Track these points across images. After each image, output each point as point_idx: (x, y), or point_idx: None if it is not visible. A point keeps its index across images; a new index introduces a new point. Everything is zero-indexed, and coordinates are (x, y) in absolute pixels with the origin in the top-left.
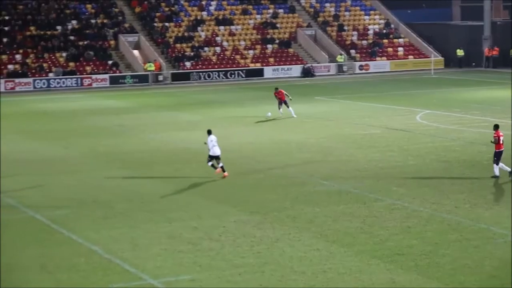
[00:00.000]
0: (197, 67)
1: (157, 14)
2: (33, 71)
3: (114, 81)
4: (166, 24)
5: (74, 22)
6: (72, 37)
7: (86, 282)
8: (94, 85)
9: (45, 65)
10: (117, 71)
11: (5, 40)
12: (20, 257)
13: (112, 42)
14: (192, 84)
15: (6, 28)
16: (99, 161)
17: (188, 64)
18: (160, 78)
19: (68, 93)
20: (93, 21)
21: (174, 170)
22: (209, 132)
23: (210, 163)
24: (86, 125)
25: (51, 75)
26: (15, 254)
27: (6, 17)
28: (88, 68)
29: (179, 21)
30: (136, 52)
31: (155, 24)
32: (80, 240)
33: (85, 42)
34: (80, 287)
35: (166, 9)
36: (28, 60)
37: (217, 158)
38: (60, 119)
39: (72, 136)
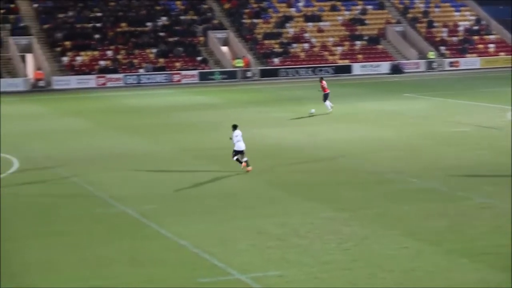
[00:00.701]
0: (285, 63)
1: (246, 10)
2: (124, 67)
3: (203, 77)
4: (255, 20)
5: (164, 18)
6: (162, 34)
7: (174, 276)
8: (183, 81)
9: (135, 61)
10: (206, 67)
11: (97, 36)
12: (111, 251)
13: (201, 39)
14: (280, 80)
15: (98, 25)
16: (188, 157)
17: (276, 60)
18: (249, 74)
19: (157, 89)
20: (182, 17)
21: (261, 166)
22: (235, 127)
23: (235, 158)
24: (175, 121)
25: (141, 71)
26: (106, 247)
27: (98, 14)
28: (177, 64)
29: (268, 18)
30: (225, 48)
31: (244, 21)
32: (169, 235)
33: (175, 39)
34: (169, 281)
35: (255, 5)
36: (119, 56)
37: (241, 153)
38: (150, 115)
39: (161, 132)
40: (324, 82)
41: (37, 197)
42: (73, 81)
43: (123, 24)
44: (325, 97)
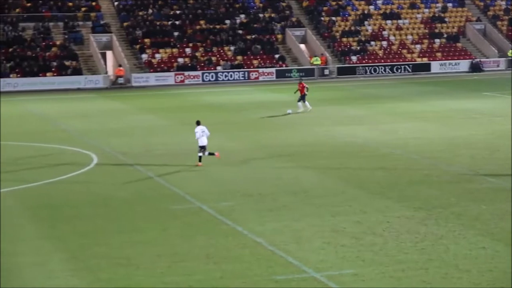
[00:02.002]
0: (363, 61)
1: (324, 8)
2: (202, 64)
3: (281, 74)
4: (333, 18)
5: (242, 16)
6: (240, 31)
7: (250, 273)
8: (260, 78)
9: (213, 58)
10: (284, 65)
11: (176, 34)
12: (188, 247)
13: (279, 36)
14: (358, 78)
15: (177, 22)
16: (264, 154)
17: (354, 58)
18: (326, 72)
19: (235, 86)
20: (261, 15)
21: (338, 164)
22: (198, 123)
23: (200, 154)
24: (251, 118)
25: (219, 68)
26: (182, 244)
27: (178, 12)
28: (255, 62)
29: (346, 15)
30: (302, 46)
31: (322, 18)
32: (245, 232)
33: (253, 36)
34: (244, 278)
35: (333, 3)
36: (197, 54)
37: (203, 148)
38: (227, 112)
39: (238, 129)
40: (304, 83)
41: (115, 193)
42: (152, 78)
43: (202, 22)
44: (302, 98)
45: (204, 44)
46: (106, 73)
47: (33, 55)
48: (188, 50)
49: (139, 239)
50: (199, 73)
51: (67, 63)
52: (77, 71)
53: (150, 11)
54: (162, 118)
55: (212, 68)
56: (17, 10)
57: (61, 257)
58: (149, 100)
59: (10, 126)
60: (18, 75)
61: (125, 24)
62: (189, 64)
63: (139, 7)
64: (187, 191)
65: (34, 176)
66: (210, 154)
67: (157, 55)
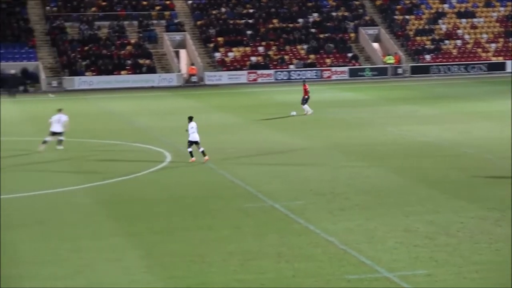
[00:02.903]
0: (437, 60)
1: (398, 6)
2: (275, 63)
3: (353, 73)
4: (407, 16)
5: (315, 15)
6: (313, 30)
7: (322, 272)
8: (333, 77)
9: (286, 57)
10: (357, 64)
11: (249, 32)
12: (259, 245)
13: (352, 35)
14: (432, 77)
15: (250, 21)
16: (337, 153)
17: (428, 57)
18: (399, 71)
19: (307, 85)
20: (334, 13)
21: (411, 164)
22: (190, 119)
23: (189, 149)
24: (324, 117)
25: (291, 67)
26: (254, 242)
27: (251, 10)
28: (328, 61)
29: (420, 14)
30: (376, 45)
31: (396, 17)
32: (317, 231)
33: (326, 35)
34: (316, 277)
35: (407, 1)
36: (270, 52)
37: (196, 143)
38: (300, 110)
39: (310, 128)
40: (307, 86)
41: (188, 191)
42: (225, 76)
43: (275, 21)
44: (305, 100)
45: (277, 43)
46: (180, 71)
47: (108, 53)
48: (261, 49)
49: (212, 236)
50: (272, 71)
51: (141, 61)
52: (151, 70)
53: (224, 9)
54: (235, 116)
55: (285, 67)
56: (93, 9)
57: (136, 254)
58: (221, 99)
59: (85, 123)
60: (94, 73)
61: (198, 22)
62: (262, 63)
63: (212, 6)
64: (259, 189)
65: (109, 173)
66: (203, 152)
67: (230, 54)
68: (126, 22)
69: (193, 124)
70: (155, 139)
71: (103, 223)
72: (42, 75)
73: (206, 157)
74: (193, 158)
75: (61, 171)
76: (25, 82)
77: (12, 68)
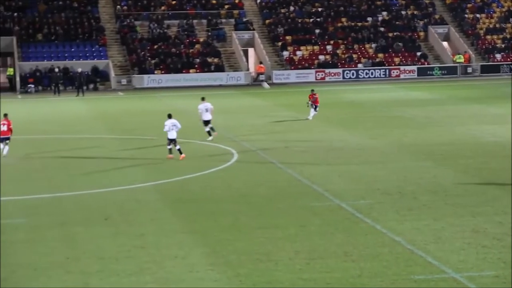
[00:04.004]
0: (508, 59)
1: (468, 5)
2: (343, 61)
3: (422, 72)
4: (477, 15)
5: (384, 13)
6: (381, 29)
7: (388, 272)
8: (401, 76)
9: (354, 56)
10: (426, 63)
11: (317, 31)
12: (325, 244)
13: (422, 34)
14: (502, 76)
15: (318, 20)
16: (404, 152)
17: (498, 56)
18: (469, 70)
19: (375, 84)
20: (403, 12)
21: (479, 164)
22: (169, 116)
23: (169, 147)
24: (392, 115)
25: (360, 66)
26: (320, 241)
27: (319, 9)
28: (396, 60)
29: (491, 12)
30: (445, 43)
31: (466, 16)
32: (383, 230)
33: (395, 34)
34: (382, 277)
35: (478, 0)
36: (338, 51)
37: (173, 141)
38: (367, 109)
39: (378, 127)
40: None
41: (255, 189)
42: (293, 75)
43: (343, 19)
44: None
45: (345, 42)
46: (248, 70)
47: (177, 52)
48: (329, 48)
49: (279, 235)
50: (340, 70)
51: (210, 60)
52: (219, 68)
53: (292, 8)
54: (302, 115)
55: (353, 66)
56: (163, 8)
57: (202, 251)
58: (289, 97)
59: (153, 121)
60: (162, 72)
61: (267, 21)
62: (330, 62)
63: (281, 5)
64: (326, 188)
65: (176, 171)
66: (179, 150)
67: (298, 52)
68: (195, 21)
69: (170, 122)
70: (222, 137)
71: (169, 220)
72: (112, 73)
73: (183, 155)
74: (171, 155)
75: (129, 169)
76: (95, 80)
77: (83, 66)
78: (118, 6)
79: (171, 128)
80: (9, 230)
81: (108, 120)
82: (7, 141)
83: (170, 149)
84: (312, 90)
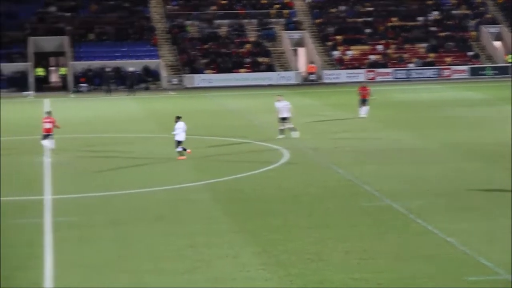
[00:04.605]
0: None
1: None
2: (394, 61)
3: (474, 72)
4: None
5: (435, 13)
6: (433, 28)
7: (440, 273)
8: (453, 76)
9: (405, 55)
10: (477, 63)
11: (367, 31)
12: (376, 245)
13: (473, 33)
14: None
15: (369, 19)
16: (456, 153)
17: None
18: None
19: (426, 84)
20: (454, 12)
21: None
22: (178, 119)
23: (178, 149)
24: (443, 116)
25: (410, 65)
26: (371, 241)
27: (370, 8)
28: (447, 59)
29: None
30: (497, 43)
31: None
32: (435, 231)
33: (446, 33)
34: (435, 278)
35: None
36: (389, 51)
37: (180, 142)
38: (418, 109)
39: (428, 127)
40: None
41: (305, 189)
42: (343, 75)
43: (394, 19)
44: (363, 102)
45: (396, 41)
46: (298, 69)
47: (227, 51)
48: (379, 47)
49: (329, 235)
50: (391, 70)
51: (260, 59)
52: (269, 68)
53: (342, 8)
54: (352, 115)
55: (404, 66)
56: (213, 7)
57: (252, 251)
58: (339, 97)
59: (204, 120)
60: (213, 71)
61: (317, 21)
62: (381, 61)
63: (331, 4)
64: (377, 188)
65: (227, 170)
66: (183, 149)
67: (348, 52)
68: (245, 21)
69: (179, 125)
70: (273, 137)
71: (220, 219)
72: (163, 73)
73: (188, 150)
74: (184, 156)
75: (180, 168)
76: (146, 80)
77: (134, 66)
78: (169, 6)
79: (182, 131)
80: (63, 228)
81: (159, 119)
82: (51, 138)
83: (180, 151)
84: (362, 84)
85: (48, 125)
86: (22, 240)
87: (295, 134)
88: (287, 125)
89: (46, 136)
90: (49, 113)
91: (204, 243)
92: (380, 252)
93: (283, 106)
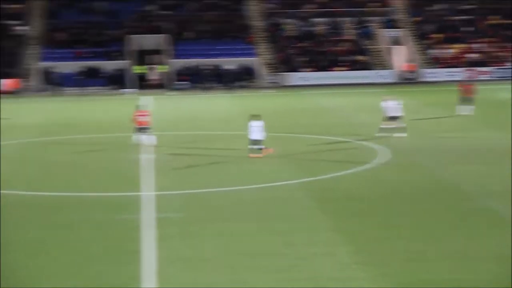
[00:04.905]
0: None
1: None
2: (493, 60)
3: None
4: None
5: None
6: None
7: None
8: None
9: (505, 54)
10: None
11: (467, 29)
12: (477, 246)
13: None
14: None
15: (468, 17)
16: None
17: None
18: None
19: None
20: None
21: None
22: (253, 118)
23: (254, 146)
24: None
25: (509, 64)
26: (472, 242)
27: (469, 6)
28: None
29: None
30: None
31: None
32: None
33: None
34: None
35: None
36: (488, 49)
37: (257, 142)
38: None
39: None
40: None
41: (401, 189)
42: (442, 73)
43: (495, 17)
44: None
45: (496, 40)
46: (395, 68)
47: (325, 50)
48: (479, 46)
49: (427, 235)
50: (490, 69)
51: (357, 57)
52: (366, 66)
53: (441, 6)
54: (451, 114)
55: (503, 64)
56: (310, 6)
57: (349, 250)
58: (438, 96)
59: (302, 119)
60: (310, 70)
61: (415, 19)
62: (480, 60)
63: (430, 2)
64: (476, 189)
65: (323, 169)
66: (260, 148)
67: (447, 51)
68: (342, 19)
69: (254, 124)
70: (370, 136)
71: (316, 218)
72: (260, 71)
73: (258, 155)
74: (258, 154)
75: (276, 166)
76: (243, 78)
77: (231, 64)
78: (266, 4)
79: (257, 130)
80: (164, 224)
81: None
82: (148, 131)
83: (256, 149)
84: (464, 81)
85: (142, 119)
86: (121, 236)
87: (401, 134)
88: (397, 124)
89: (140, 130)
90: (142, 106)
91: (301, 241)
92: (480, 254)
93: (393, 105)
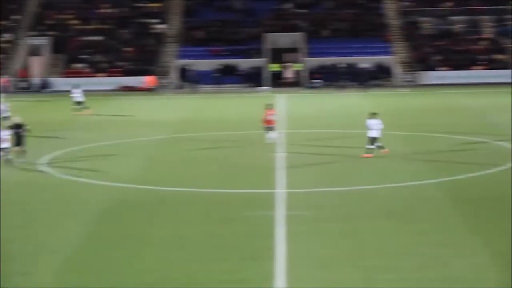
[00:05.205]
0: None
1: None
2: None
3: None
4: None
5: None
6: None
7: None
8: None
9: None
10: None
11: None
12: None
13: None
14: None
15: None
16: None
17: None
18: None
19: None
20: None
21: None
22: (371, 116)
23: (371, 146)
24: None
25: None
26: None
27: None
28: None
29: None
30: None
31: None
32: None
33: None
34: None
35: None
36: None
37: (374, 139)
38: None
39: None
40: None
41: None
42: None
43: None
44: None
45: None
46: None
47: (462, 48)
48: None
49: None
50: None
51: (495, 56)
52: (505, 65)
53: None
54: None
55: None
56: (448, 4)
57: (486, 252)
58: None
59: (437, 118)
60: (446, 68)
61: None
62: None
63: None
64: None
65: (459, 169)
66: (379, 147)
67: None
68: (481, 17)
69: (372, 121)
70: (507, 136)
71: (452, 218)
72: (396, 70)
73: (385, 150)
74: (386, 150)
75: (412, 165)
76: (379, 76)
77: (367, 62)
78: (403, 2)
79: (373, 128)
80: (294, 222)
81: (392, 116)
82: (275, 131)
83: (374, 147)
84: None
85: (270, 117)
86: (254, 231)
87: None
88: None
89: (269, 129)
90: (270, 105)
91: (436, 241)
92: None
93: None
